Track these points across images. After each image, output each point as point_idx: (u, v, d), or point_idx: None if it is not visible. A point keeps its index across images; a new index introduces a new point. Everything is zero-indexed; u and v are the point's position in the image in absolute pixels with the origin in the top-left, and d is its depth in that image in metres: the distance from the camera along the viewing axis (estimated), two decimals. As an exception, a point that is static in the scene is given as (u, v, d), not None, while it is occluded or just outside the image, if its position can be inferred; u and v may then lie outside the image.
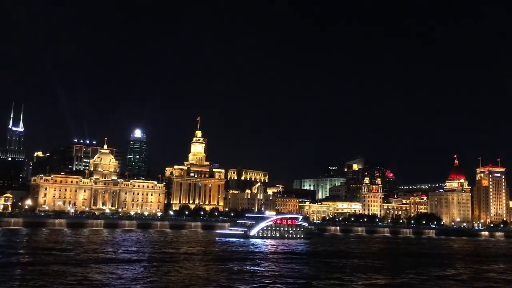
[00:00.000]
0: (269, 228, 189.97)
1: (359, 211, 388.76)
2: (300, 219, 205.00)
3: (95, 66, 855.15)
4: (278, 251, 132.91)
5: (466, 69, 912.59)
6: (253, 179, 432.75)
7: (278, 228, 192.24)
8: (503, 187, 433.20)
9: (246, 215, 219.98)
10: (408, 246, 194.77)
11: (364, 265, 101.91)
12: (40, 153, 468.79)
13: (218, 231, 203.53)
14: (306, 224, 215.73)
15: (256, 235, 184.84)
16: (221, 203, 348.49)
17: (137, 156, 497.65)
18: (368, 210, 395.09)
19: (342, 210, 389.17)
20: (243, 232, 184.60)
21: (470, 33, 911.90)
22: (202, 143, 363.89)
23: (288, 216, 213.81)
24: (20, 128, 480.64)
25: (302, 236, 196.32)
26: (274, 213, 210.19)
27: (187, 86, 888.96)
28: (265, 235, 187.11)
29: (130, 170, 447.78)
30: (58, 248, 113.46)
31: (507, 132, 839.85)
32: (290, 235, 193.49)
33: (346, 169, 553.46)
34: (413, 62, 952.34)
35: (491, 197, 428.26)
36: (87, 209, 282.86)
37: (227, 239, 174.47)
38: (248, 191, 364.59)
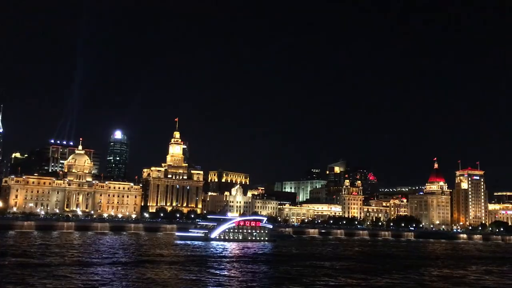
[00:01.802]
0: (231, 230, 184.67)
1: (339, 213, 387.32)
2: (264, 221, 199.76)
3: (78, 67, 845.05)
4: (237, 254, 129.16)
5: (448, 73, 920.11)
6: (234, 181, 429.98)
7: (240, 230, 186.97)
8: (482, 190, 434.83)
9: (208, 216, 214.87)
10: (384, 248, 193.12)
11: (326, 268, 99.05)
12: (18, 154, 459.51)
13: (177, 233, 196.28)
14: (271, 226, 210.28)
15: (217, 237, 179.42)
16: (199, 205, 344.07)
17: (117, 158, 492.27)
18: (348, 212, 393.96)
19: (322, 212, 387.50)
20: (203, 235, 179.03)
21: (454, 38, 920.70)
22: (180, 144, 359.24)
23: (252, 218, 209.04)
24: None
25: (266, 238, 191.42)
26: (237, 214, 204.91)
27: (169, 87, 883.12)
28: (227, 237, 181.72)
29: (110, 172, 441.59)
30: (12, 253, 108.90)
31: (486, 136, 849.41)
32: (254, 238, 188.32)
33: (328, 172, 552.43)
34: (398, 66, 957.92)
35: (470, 200, 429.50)
36: (57, 210, 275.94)
37: (187, 241, 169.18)
38: (226, 193, 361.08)
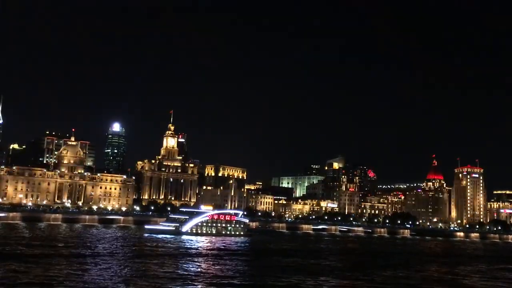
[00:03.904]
0: (204, 224, 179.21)
1: (335, 209, 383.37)
2: (240, 215, 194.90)
3: (77, 60, 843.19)
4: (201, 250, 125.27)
5: (446, 70, 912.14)
6: (231, 176, 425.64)
7: (214, 224, 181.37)
8: (481, 188, 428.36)
9: (181, 209, 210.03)
10: (371, 246, 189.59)
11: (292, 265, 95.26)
12: (16, 146, 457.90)
13: (147, 226, 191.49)
14: (247, 221, 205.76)
15: (189, 231, 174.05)
16: (193, 199, 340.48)
17: (115, 150, 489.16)
18: (345, 208, 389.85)
19: (318, 208, 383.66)
20: (174, 228, 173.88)
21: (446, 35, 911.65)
22: (175, 136, 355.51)
23: (227, 211, 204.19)
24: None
25: (242, 233, 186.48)
26: (211, 207, 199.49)
27: (168, 81, 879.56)
28: (199, 231, 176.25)
29: (107, 164, 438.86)
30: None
31: (486, 133, 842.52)
32: (228, 232, 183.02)
33: (326, 168, 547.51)
34: (395, 63, 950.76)
35: (468, 197, 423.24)
36: (46, 202, 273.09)
37: (157, 235, 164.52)
38: (222, 187, 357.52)
